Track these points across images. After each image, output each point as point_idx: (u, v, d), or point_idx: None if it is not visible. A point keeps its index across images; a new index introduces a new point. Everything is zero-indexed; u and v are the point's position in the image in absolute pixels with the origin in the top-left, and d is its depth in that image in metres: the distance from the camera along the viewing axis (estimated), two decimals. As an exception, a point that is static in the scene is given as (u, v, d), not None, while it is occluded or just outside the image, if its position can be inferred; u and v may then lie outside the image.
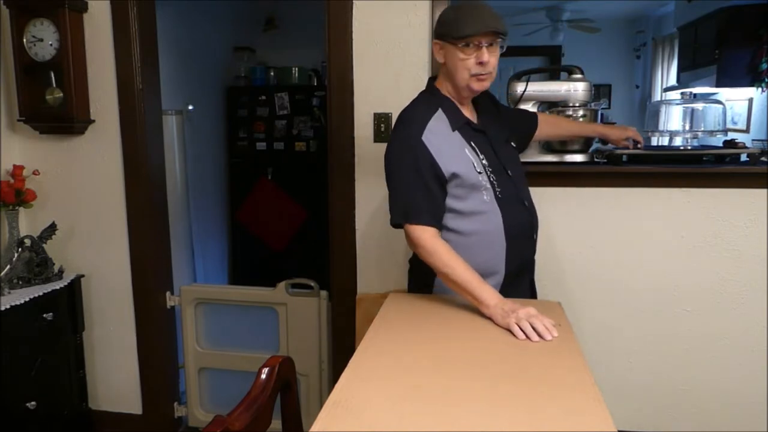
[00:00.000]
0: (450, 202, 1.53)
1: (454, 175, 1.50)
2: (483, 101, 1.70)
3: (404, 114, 1.58)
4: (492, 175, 1.55)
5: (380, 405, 0.99)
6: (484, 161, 1.55)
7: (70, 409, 2.40)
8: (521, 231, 1.59)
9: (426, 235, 1.48)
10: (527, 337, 1.27)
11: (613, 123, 6.17)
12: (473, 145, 1.56)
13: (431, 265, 1.49)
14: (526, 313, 1.31)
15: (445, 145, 1.52)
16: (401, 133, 1.54)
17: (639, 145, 2.04)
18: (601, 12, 5.98)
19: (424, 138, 1.49)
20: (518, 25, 5.96)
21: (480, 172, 1.53)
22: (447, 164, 1.49)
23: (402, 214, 1.50)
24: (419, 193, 1.48)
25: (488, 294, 1.40)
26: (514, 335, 1.28)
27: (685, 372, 2.18)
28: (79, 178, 2.41)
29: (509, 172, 1.60)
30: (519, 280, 1.63)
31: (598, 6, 5.73)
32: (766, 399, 2.13)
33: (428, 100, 1.59)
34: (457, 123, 1.56)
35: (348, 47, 2.16)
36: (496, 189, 1.54)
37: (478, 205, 1.53)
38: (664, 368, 2.19)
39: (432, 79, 1.65)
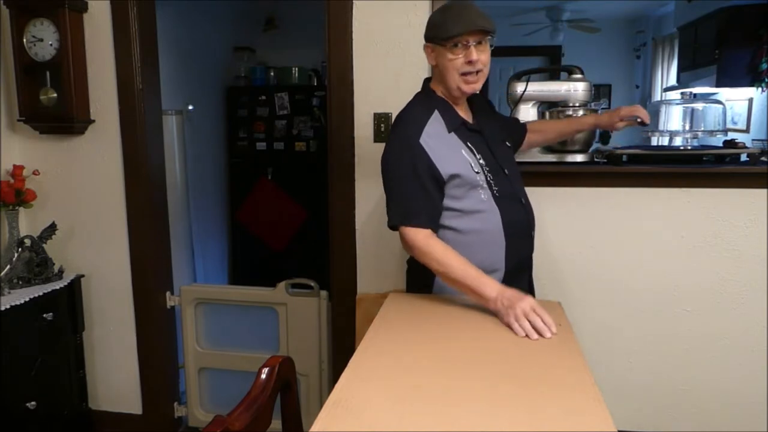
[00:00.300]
0: (449, 201, 1.54)
1: (453, 177, 1.51)
2: (478, 101, 1.71)
3: (401, 116, 1.58)
4: (489, 174, 1.55)
5: (380, 405, 0.99)
6: (481, 161, 1.55)
7: (70, 409, 2.40)
8: (519, 229, 1.60)
9: (420, 236, 1.48)
10: (527, 335, 1.27)
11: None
12: (470, 145, 1.56)
13: (427, 266, 1.49)
14: (523, 310, 1.30)
15: (443, 146, 1.53)
16: (399, 136, 1.54)
17: (639, 120, 1.78)
18: (601, 12, 5.98)
19: (421, 140, 1.50)
20: (518, 25, 5.96)
21: (477, 172, 1.53)
22: (445, 166, 1.50)
23: (399, 216, 1.50)
24: (418, 195, 1.49)
25: (488, 288, 1.39)
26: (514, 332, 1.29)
27: (685, 372, 2.18)
28: (79, 178, 2.41)
29: (506, 170, 1.61)
30: (518, 278, 1.63)
31: (598, 6, 5.73)
32: (766, 399, 2.13)
33: (424, 102, 1.60)
34: (453, 124, 1.57)
35: (348, 47, 2.16)
36: (494, 188, 1.55)
37: (476, 204, 1.53)
38: (664, 368, 2.19)
39: (427, 81, 1.66)
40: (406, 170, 1.49)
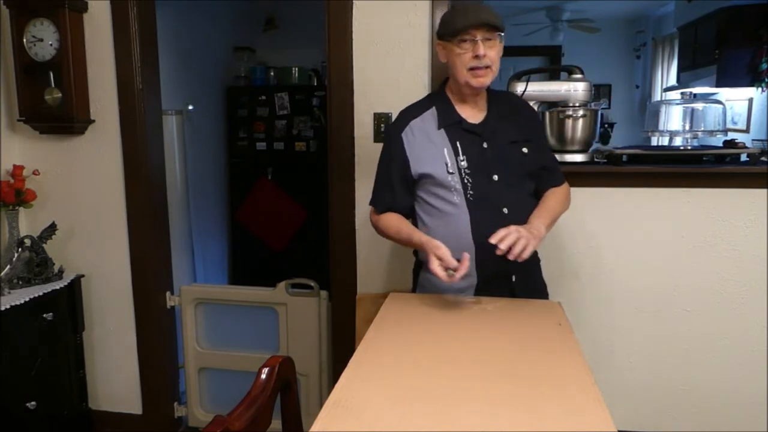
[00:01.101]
0: (427, 197, 1.59)
1: (423, 175, 1.56)
2: (501, 102, 1.63)
3: (402, 110, 1.66)
4: (467, 177, 1.53)
5: (380, 405, 0.99)
6: (462, 162, 1.53)
7: (70, 409, 2.40)
8: None
9: (374, 215, 1.68)
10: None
11: (613, 123, 6.20)
12: (458, 145, 1.55)
13: (385, 237, 1.66)
14: (442, 252, 1.41)
15: (424, 142, 1.56)
16: (388, 128, 1.68)
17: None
18: (601, 12, 5.98)
19: (403, 134, 1.58)
20: (518, 25, 5.97)
21: (452, 173, 1.53)
22: (417, 164, 1.56)
23: (372, 198, 1.68)
24: (384, 185, 1.63)
25: (414, 241, 1.53)
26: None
27: (685, 372, 2.18)
28: (79, 178, 2.41)
29: (495, 176, 1.54)
30: (498, 287, 1.56)
31: (598, 6, 5.73)
32: (766, 399, 2.13)
33: (427, 98, 1.66)
34: (446, 121, 1.57)
35: (348, 47, 2.16)
36: (468, 191, 1.53)
37: (446, 205, 1.55)
38: (664, 368, 2.19)
39: (445, 81, 1.66)
40: (383, 160, 1.65)
